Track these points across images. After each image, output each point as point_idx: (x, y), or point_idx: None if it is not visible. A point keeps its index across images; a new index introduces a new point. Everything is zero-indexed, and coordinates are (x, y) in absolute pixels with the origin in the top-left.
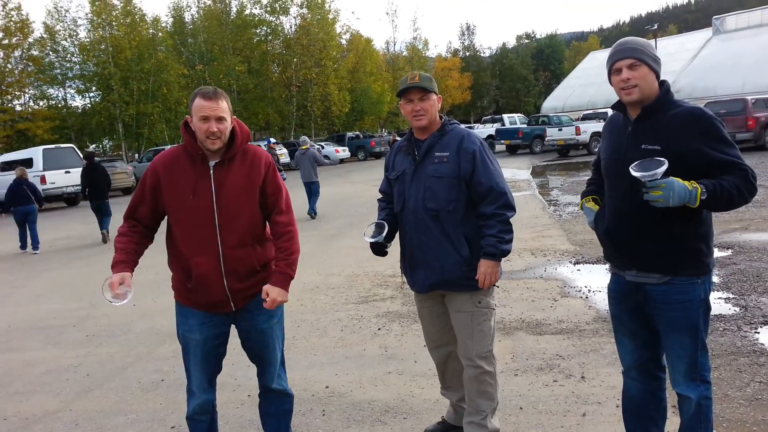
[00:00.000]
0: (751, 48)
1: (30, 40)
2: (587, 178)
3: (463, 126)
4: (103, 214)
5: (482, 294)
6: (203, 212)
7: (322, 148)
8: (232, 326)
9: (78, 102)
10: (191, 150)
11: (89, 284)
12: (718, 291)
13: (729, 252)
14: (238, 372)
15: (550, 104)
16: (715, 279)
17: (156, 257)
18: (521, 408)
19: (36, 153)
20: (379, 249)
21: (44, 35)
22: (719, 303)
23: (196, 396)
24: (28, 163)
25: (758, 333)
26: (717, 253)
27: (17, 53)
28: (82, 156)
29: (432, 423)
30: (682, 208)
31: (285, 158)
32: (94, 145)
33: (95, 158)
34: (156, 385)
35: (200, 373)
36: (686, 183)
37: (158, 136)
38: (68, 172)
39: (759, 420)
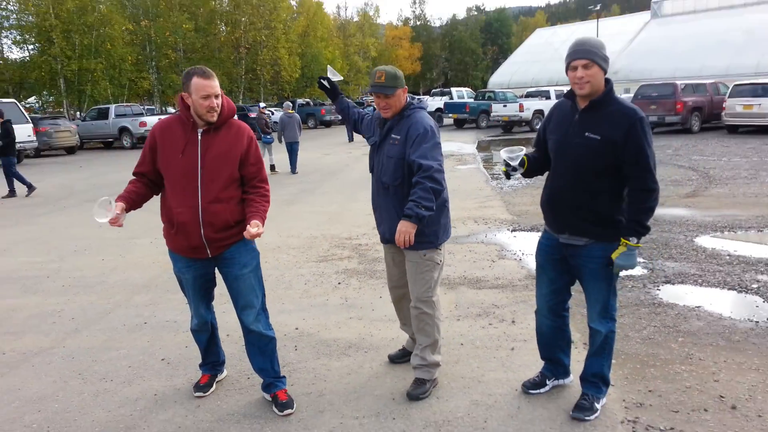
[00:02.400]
0: (684, 33)
1: None
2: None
3: (422, 111)
4: None
5: (428, 249)
6: (189, 170)
7: (272, 113)
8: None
9: (16, 54)
10: (184, 119)
11: (51, 240)
12: None
13: None
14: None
15: (497, 80)
16: None
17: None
18: (462, 344)
19: None
20: None
21: None
22: None
23: (195, 316)
24: None
25: (659, 290)
26: None
27: None
28: None
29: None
30: (608, 188)
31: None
32: (34, 99)
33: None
34: (140, 327)
35: (195, 301)
36: (622, 249)
37: (101, 93)
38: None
39: (650, 353)
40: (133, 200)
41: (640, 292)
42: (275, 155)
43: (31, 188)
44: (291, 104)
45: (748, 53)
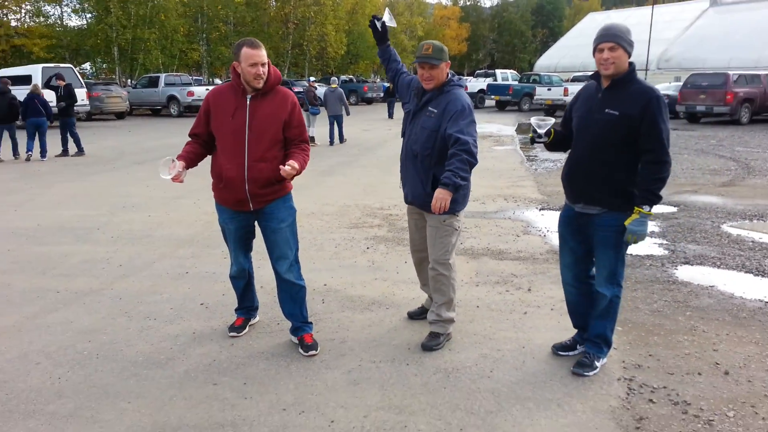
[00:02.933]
0: (742, 22)
1: None
2: None
3: (460, 88)
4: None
5: (448, 216)
6: (237, 131)
7: (316, 88)
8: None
9: (74, 21)
10: (235, 85)
11: (102, 196)
12: (655, 237)
13: (675, 209)
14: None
15: (544, 63)
16: (654, 229)
17: (164, 182)
18: (478, 307)
19: (35, 71)
20: None
21: None
22: (653, 247)
23: (234, 264)
24: (27, 80)
25: (676, 270)
26: (664, 209)
27: None
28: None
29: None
30: (623, 161)
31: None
32: (88, 66)
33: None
34: (182, 276)
35: (236, 250)
36: (635, 216)
37: (153, 62)
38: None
39: (656, 324)
40: (191, 159)
41: (657, 270)
42: (318, 128)
43: (81, 152)
44: (336, 79)
45: None
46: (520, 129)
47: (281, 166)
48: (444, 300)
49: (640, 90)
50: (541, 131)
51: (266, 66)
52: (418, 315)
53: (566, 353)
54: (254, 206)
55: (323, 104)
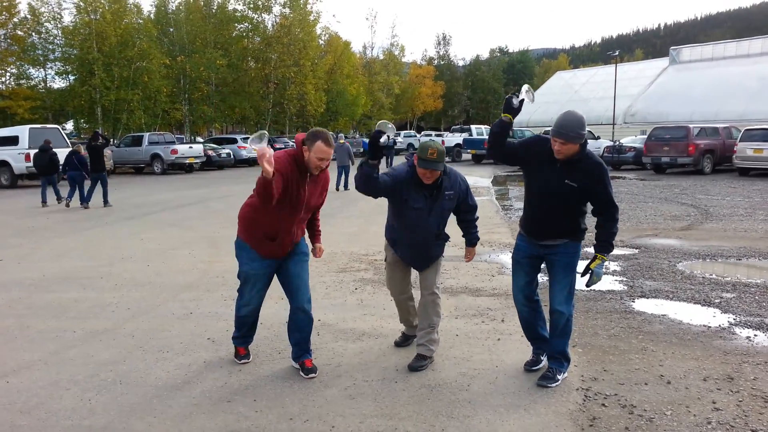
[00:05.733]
0: (701, 79)
1: (15, 20)
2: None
3: (452, 167)
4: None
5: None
6: (298, 203)
7: None
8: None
9: (58, 83)
10: (300, 163)
11: (100, 248)
12: (615, 276)
13: (636, 251)
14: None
15: (517, 119)
16: (616, 268)
17: (159, 231)
18: (457, 335)
19: (22, 132)
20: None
21: (28, 16)
22: (614, 283)
23: (250, 304)
24: (14, 140)
25: (633, 302)
26: (624, 251)
27: (1, 32)
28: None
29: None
30: (578, 212)
31: None
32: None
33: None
34: (187, 316)
35: (260, 292)
36: (598, 261)
37: (136, 122)
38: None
39: (612, 345)
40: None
41: (616, 302)
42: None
43: (61, 200)
44: (343, 136)
45: (764, 99)
46: (496, 181)
47: (319, 247)
48: (435, 323)
49: (591, 164)
50: (516, 101)
51: (329, 160)
52: (403, 342)
53: (536, 367)
54: (285, 254)
55: (333, 156)
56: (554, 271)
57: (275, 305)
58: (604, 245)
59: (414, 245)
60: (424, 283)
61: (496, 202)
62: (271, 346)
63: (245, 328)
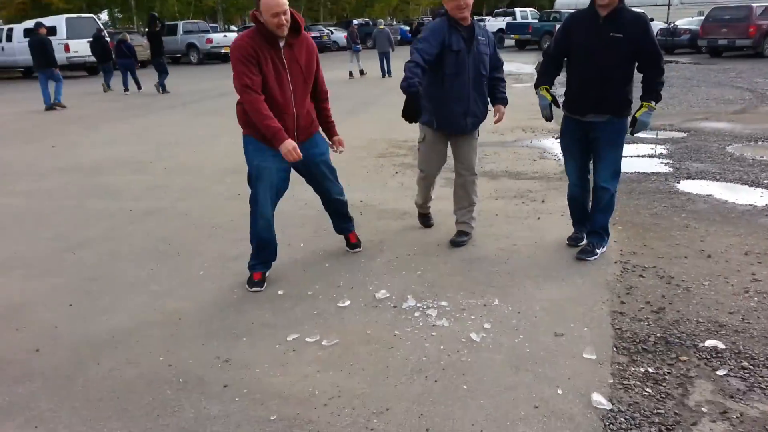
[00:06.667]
0: None
1: None
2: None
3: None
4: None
5: (477, 131)
6: (283, 82)
7: (332, 33)
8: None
9: None
10: (264, 35)
11: (148, 135)
12: (662, 158)
13: (684, 134)
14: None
15: (564, 0)
16: (662, 151)
17: (201, 119)
18: (496, 215)
19: (59, 21)
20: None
21: None
22: (659, 165)
23: (264, 219)
24: (51, 30)
25: (678, 184)
26: (673, 134)
27: None
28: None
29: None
30: (625, 75)
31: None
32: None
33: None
34: (235, 197)
35: (270, 202)
36: (644, 109)
37: (169, 10)
38: (90, 41)
39: (654, 223)
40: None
41: (660, 183)
42: (363, 62)
43: (126, 90)
44: (382, 21)
45: None
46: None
47: (337, 140)
48: (474, 201)
49: (634, 15)
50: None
51: (287, 14)
52: (426, 223)
53: (579, 244)
54: (299, 138)
55: (373, 44)
56: (600, 148)
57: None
58: (651, 93)
59: (462, 94)
60: (465, 163)
61: None
62: (317, 224)
63: (265, 251)
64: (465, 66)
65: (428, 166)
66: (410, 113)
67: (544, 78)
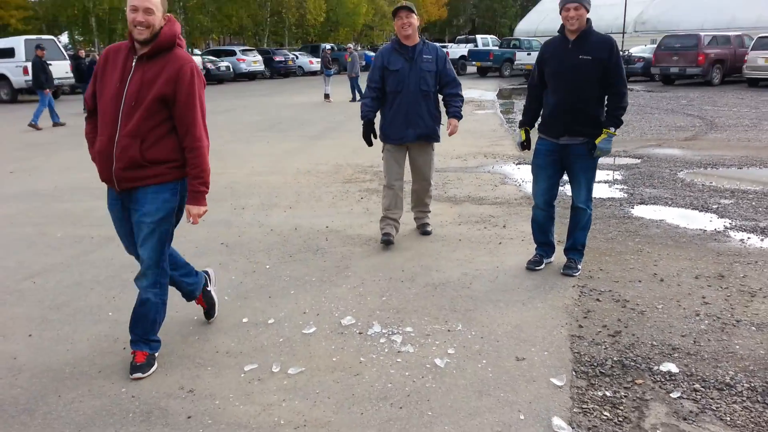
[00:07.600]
0: None
1: None
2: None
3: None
4: None
5: (434, 144)
6: (116, 97)
7: (297, 58)
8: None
9: None
10: (130, 43)
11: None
12: (617, 184)
13: (638, 160)
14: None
15: (524, 27)
16: (617, 177)
17: None
18: (460, 240)
19: (17, 43)
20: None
21: None
22: (615, 191)
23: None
24: (9, 52)
25: (632, 209)
26: (627, 161)
27: None
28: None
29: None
30: (596, 95)
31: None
32: (65, 37)
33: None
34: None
35: (126, 244)
36: (604, 136)
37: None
38: (49, 64)
39: (609, 248)
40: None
41: (616, 209)
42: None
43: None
44: (351, 46)
45: None
46: (501, 94)
47: (187, 212)
48: (428, 203)
49: (601, 38)
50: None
51: (152, 13)
52: (388, 242)
53: (538, 267)
54: (119, 187)
55: (350, 69)
56: (575, 170)
57: (283, 213)
58: (612, 119)
59: (402, 108)
60: (420, 174)
61: (501, 115)
62: (282, 250)
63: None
64: (405, 83)
65: (388, 174)
66: (366, 137)
67: (526, 118)
